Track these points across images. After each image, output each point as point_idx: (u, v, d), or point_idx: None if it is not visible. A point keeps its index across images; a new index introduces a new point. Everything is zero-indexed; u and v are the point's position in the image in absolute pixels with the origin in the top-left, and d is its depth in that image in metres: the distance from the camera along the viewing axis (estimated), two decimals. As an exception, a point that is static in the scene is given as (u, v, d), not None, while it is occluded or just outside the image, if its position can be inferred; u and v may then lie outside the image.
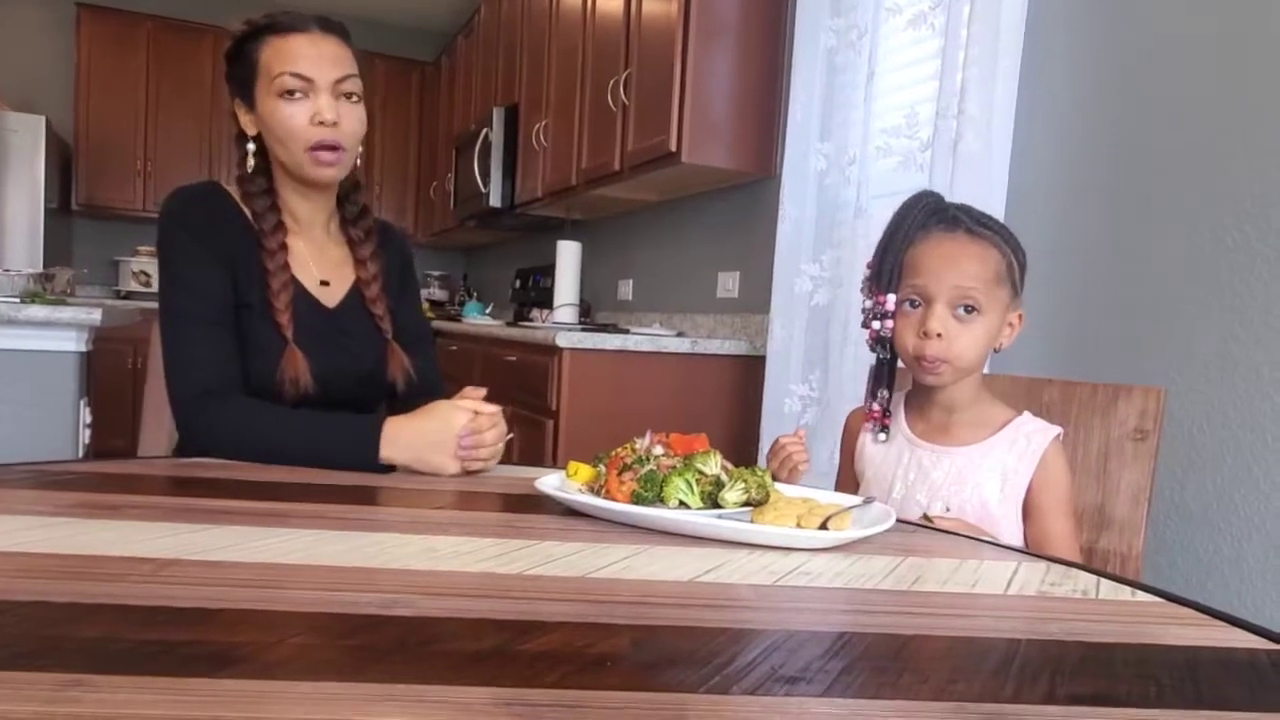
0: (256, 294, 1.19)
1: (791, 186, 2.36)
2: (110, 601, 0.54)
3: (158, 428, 1.48)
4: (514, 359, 2.73)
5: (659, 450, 0.89)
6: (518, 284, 4.57)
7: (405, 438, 1.05)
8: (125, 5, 4.85)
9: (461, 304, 5.03)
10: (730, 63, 2.59)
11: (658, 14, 2.67)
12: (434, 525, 0.81)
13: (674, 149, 2.55)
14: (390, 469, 1.06)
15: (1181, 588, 1.45)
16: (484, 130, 3.97)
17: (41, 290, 2.23)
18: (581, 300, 3.58)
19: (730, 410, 2.59)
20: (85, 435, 2.01)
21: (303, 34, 1.18)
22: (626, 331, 2.63)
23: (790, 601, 0.64)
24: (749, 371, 2.56)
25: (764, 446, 2.37)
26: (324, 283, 1.27)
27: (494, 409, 1.09)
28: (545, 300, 4.07)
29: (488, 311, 4.53)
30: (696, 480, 0.84)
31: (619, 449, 0.92)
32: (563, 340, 2.40)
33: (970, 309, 1.06)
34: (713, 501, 0.85)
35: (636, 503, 0.83)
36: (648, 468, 0.86)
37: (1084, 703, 0.47)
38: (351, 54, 1.22)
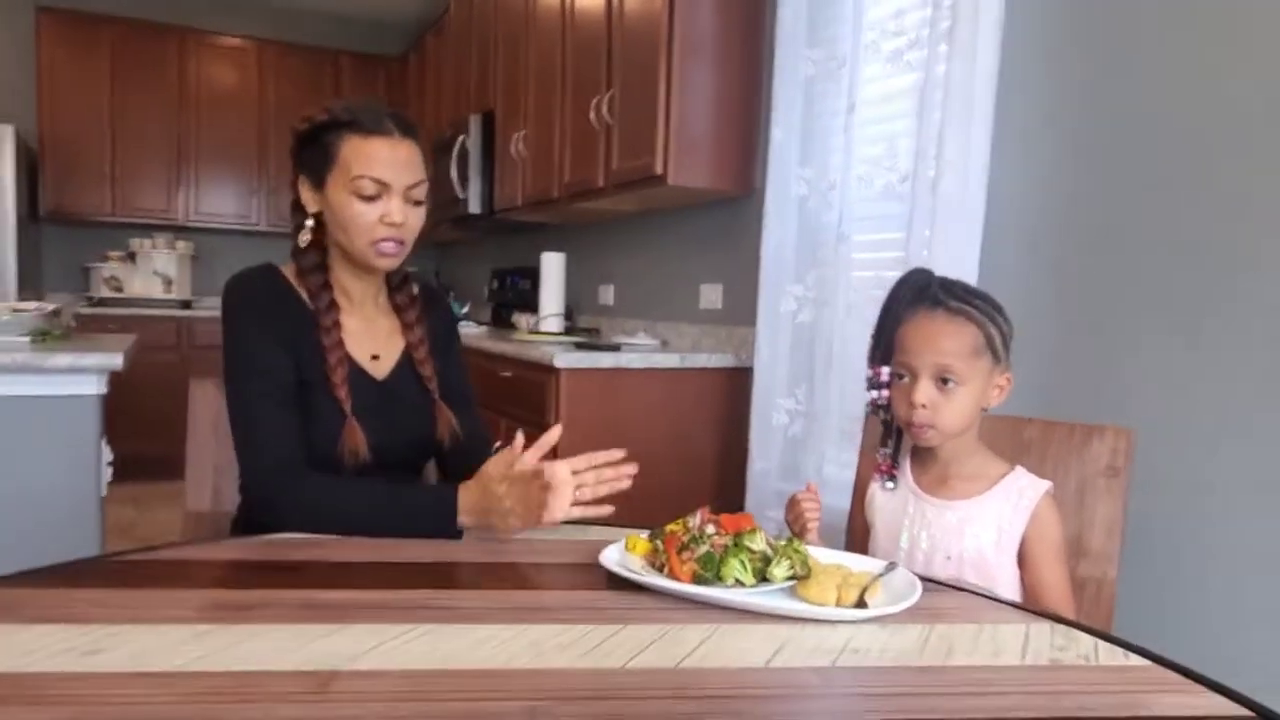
0: (315, 370, 1.28)
1: (773, 209, 2.47)
2: (308, 726, 0.65)
3: (202, 484, 1.57)
4: (509, 375, 2.83)
5: (710, 529, 1.02)
6: (495, 284, 4.64)
7: (471, 504, 1.16)
8: (86, 7, 4.77)
9: (437, 302, 5.07)
10: (711, 85, 2.69)
11: (639, 35, 2.75)
12: (524, 612, 0.92)
13: (660, 172, 2.65)
14: (461, 534, 1.17)
15: (1148, 610, 1.61)
16: (461, 137, 4.02)
17: (50, 328, 2.27)
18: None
19: (720, 421, 2.72)
20: (107, 474, 2.07)
21: (384, 137, 1.26)
22: (617, 348, 2.74)
23: (853, 686, 0.77)
24: (736, 383, 2.69)
25: (754, 459, 2.51)
26: (374, 357, 1.36)
27: (549, 468, 1.15)
28: (524, 302, 4.15)
29: (465, 311, 4.60)
30: (749, 559, 0.97)
31: (672, 525, 1.04)
32: (560, 361, 2.50)
33: (952, 381, 1.19)
34: (761, 577, 0.97)
35: (698, 582, 0.96)
36: (704, 549, 0.98)
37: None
38: (422, 156, 1.31)
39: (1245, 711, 0.74)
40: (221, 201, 5.18)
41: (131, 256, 5.05)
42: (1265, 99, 1.47)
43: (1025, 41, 1.86)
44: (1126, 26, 1.68)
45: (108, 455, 2.09)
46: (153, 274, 5.10)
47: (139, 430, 3.79)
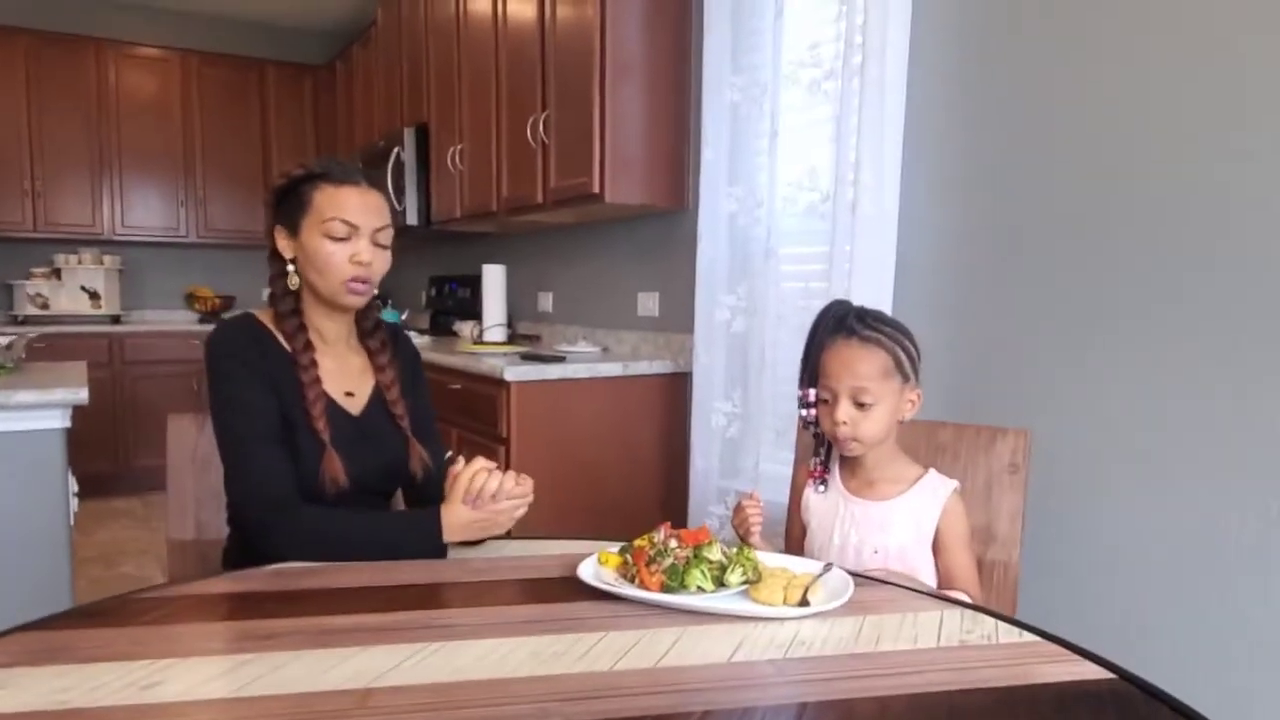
0: (296, 408, 1.39)
1: (706, 225, 2.63)
2: (360, 736, 0.78)
3: (184, 515, 1.66)
4: (458, 387, 2.94)
5: (673, 543, 1.17)
6: (433, 292, 4.70)
7: (454, 523, 1.30)
8: (-4, 19, 4.67)
9: (373, 310, 5.11)
10: (643, 107, 2.83)
11: (571, 57, 2.88)
12: (518, 625, 1.06)
13: (597, 190, 2.78)
14: (445, 552, 1.30)
15: (1045, 586, 1.83)
16: (395, 149, 4.08)
17: (3, 360, 2.30)
18: (503, 312, 3.78)
19: (662, 424, 2.89)
20: (74, 504, 2.12)
21: (353, 186, 1.41)
22: (563, 358, 2.87)
23: (803, 674, 0.93)
24: (675, 388, 2.86)
25: (695, 459, 2.68)
26: (349, 394, 1.48)
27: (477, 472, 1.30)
28: (463, 310, 4.24)
29: (403, 318, 4.66)
30: (708, 568, 1.13)
31: (639, 541, 1.19)
32: (510, 374, 2.63)
33: (867, 401, 1.37)
34: (719, 583, 1.13)
35: (666, 591, 1.11)
36: (668, 561, 1.13)
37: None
38: (386, 204, 1.46)
39: (1111, 675, 0.93)
40: (148, 214, 5.11)
41: (57, 273, 4.96)
42: (1150, 127, 1.69)
43: (930, 76, 2.05)
44: (1023, 62, 1.89)
45: (73, 485, 2.14)
46: (80, 290, 5.02)
47: (71, 451, 3.77)
